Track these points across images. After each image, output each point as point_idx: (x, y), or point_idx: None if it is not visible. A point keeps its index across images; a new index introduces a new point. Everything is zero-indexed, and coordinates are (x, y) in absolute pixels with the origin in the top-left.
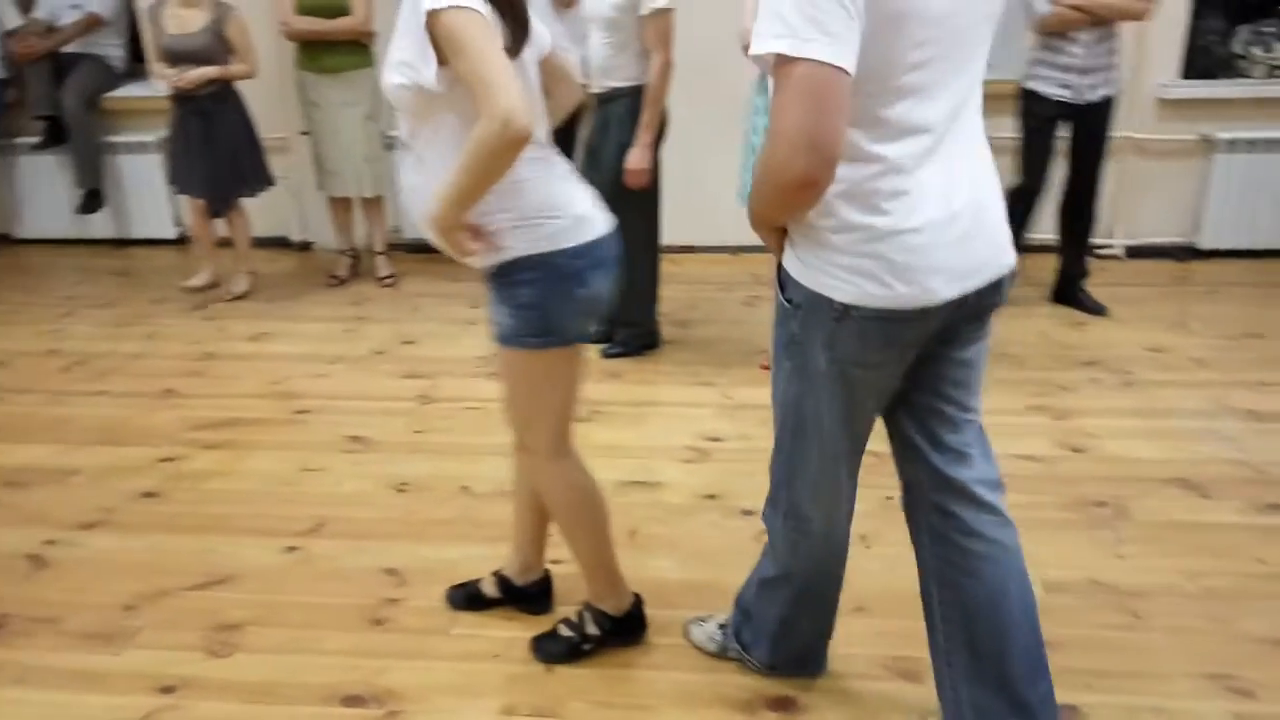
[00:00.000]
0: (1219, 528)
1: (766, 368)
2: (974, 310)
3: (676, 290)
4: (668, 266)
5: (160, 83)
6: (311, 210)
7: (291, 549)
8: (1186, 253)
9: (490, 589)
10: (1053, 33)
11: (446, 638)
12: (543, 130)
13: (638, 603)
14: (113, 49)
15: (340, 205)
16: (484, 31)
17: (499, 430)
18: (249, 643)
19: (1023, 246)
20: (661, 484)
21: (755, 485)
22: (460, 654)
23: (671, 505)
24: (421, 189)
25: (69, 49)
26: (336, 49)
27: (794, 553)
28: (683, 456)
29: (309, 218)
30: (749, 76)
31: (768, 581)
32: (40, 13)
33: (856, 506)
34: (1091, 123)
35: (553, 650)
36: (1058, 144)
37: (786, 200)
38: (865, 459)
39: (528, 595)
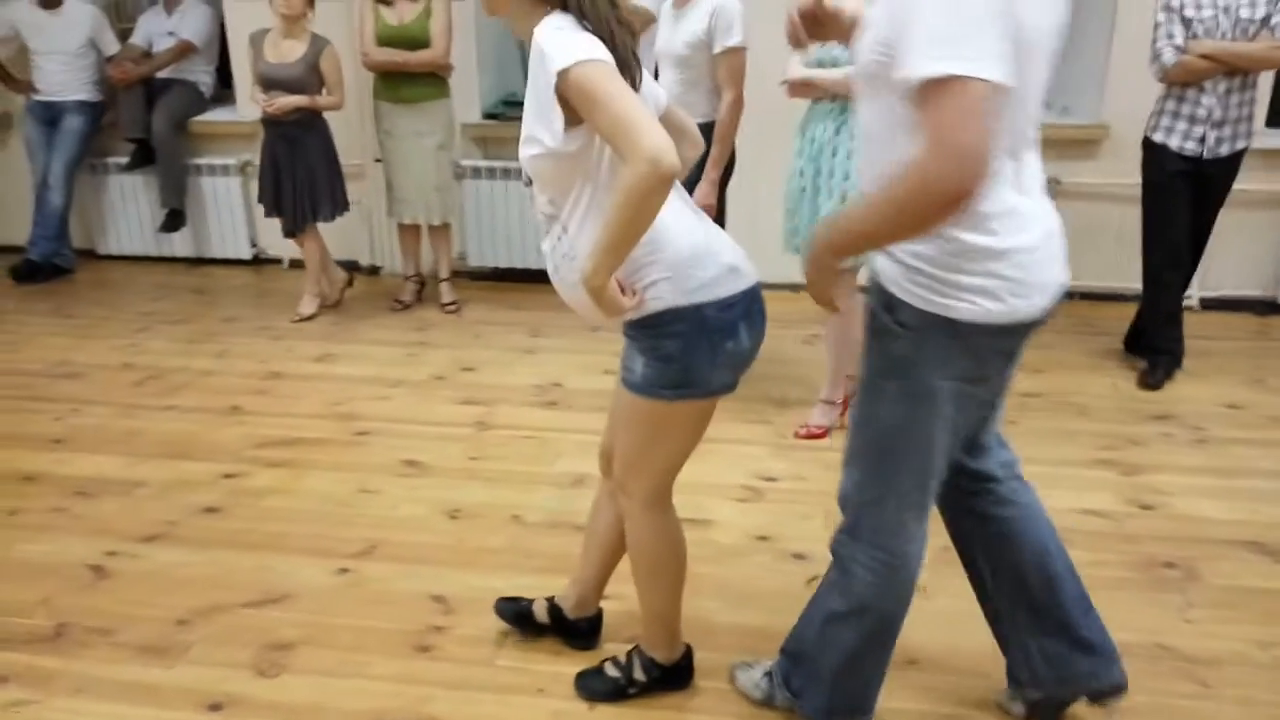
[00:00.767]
0: None
1: (808, 436)
2: (1039, 323)
3: None
4: None
5: (253, 106)
6: (381, 235)
7: (344, 570)
8: (1266, 307)
9: (541, 614)
10: (1183, 83)
11: (491, 669)
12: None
13: (687, 653)
14: (203, 75)
15: (409, 232)
16: (614, 78)
17: (553, 460)
18: (297, 663)
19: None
20: (713, 522)
21: (809, 528)
22: (503, 686)
23: (722, 545)
24: (565, 262)
25: (162, 74)
26: (414, 80)
27: (876, 585)
28: (736, 495)
29: (378, 243)
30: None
31: (837, 617)
32: (137, 39)
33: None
34: (1218, 178)
35: (597, 689)
36: (1187, 203)
37: (935, 216)
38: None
39: (578, 630)
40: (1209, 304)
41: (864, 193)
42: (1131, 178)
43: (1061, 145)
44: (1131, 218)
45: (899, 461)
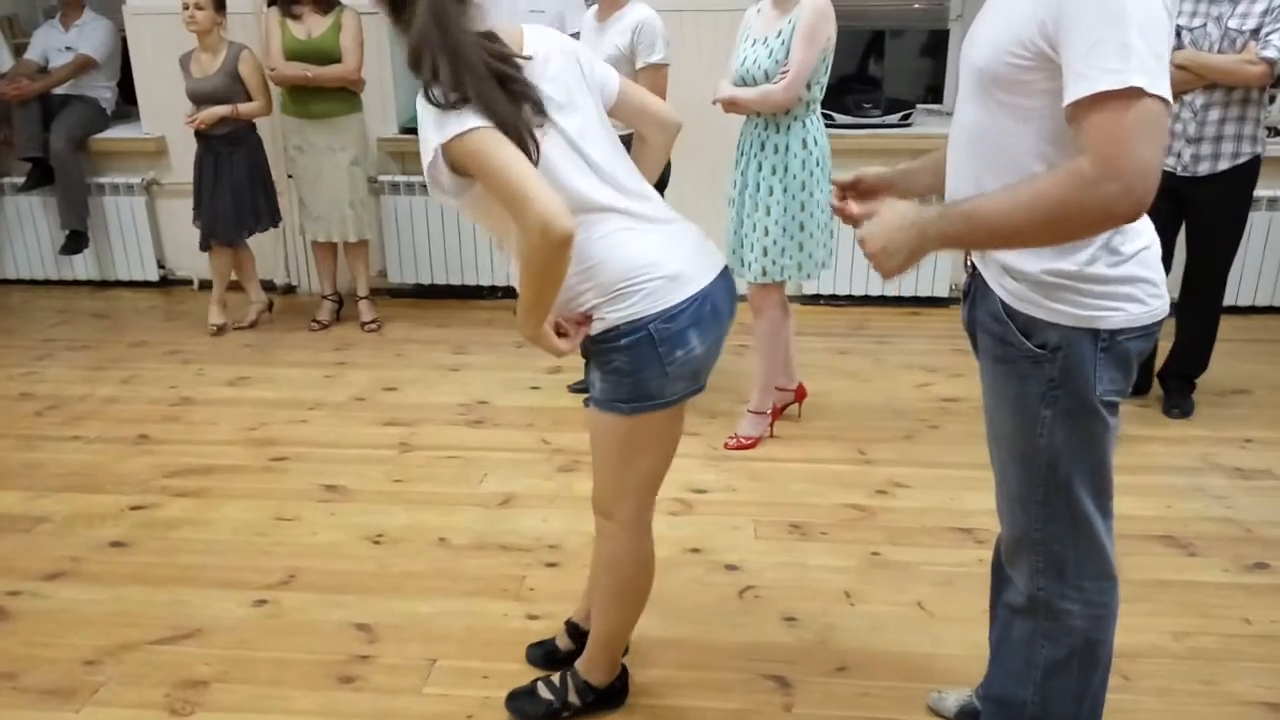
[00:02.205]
0: (1206, 586)
1: (737, 446)
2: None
3: None
4: None
5: (156, 122)
6: (296, 254)
7: (261, 602)
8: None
9: (563, 642)
10: None
11: (418, 697)
12: (633, 181)
13: (623, 674)
14: (104, 90)
15: (324, 250)
16: (497, 147)
17: (479, 480)
18: (213, 700)
19: None
20: None
21: (740, 539)
22: (432, 715)
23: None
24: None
25: (60, 90)
26: (325, 95)
27: (1096, 619)
28: (666, 508)
29: (294, 261)
30: (734, 130)
31: (1060, 666)
32: (33, 54)
33: (838, 562)
34: (1201, 200)
35: (529, 711)
36: (1164, 221)
37: (1093, 229)
38: (848, 514)
39: None
40: None
41: (983, 191)
42: None
43: None
44: None
45: (1078, 489)
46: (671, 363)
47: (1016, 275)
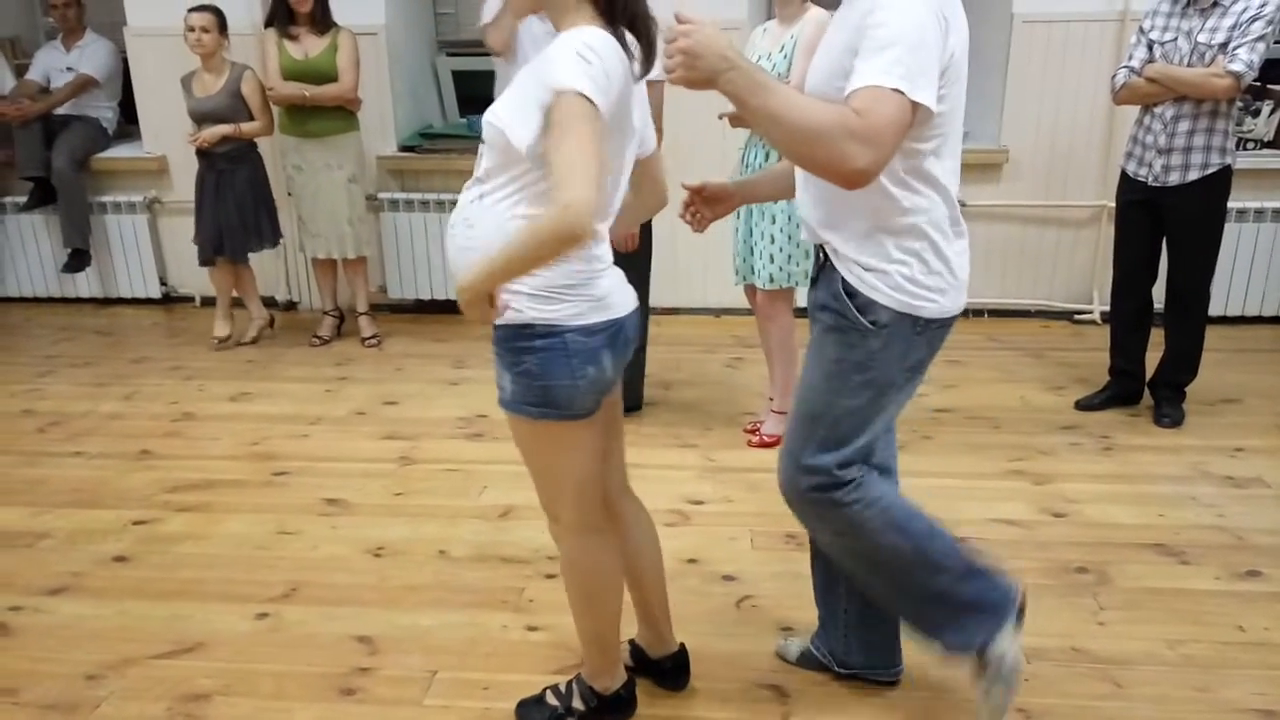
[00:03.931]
0: (1198, 594)
1: (751, 430)
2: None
3: (659, 352)
4: (651, 328)
5: (158, 142)
6: (297, 270)
7: (263, 615)
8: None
9: (625, 657)
10: (1136, 106)
11: (419, 709)
12: (605, 226)
13: (629, 683)
14: (105, 110)
15: (324, 266)
16: (596, 126)
17: (478, 493)
18: (215, 714)
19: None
20: None
21: (737, 549)
22: None
23: None
24: (462, 225)
25: (62, 110)
26: (322, 114)
27: (897, 505)
28: (664, 520)
29: (295, 278)
30: (735, 145)
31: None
32: (34, 74)
33: None
34: (1175, 209)
35: (536, 718)
36: (1143, 230)
37: (823, 171)
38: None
39: (662, 670)
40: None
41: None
42: (1029, 199)
43: (965, 169)
44: (1031, 237)
45: (850, 436)
46: (582, 377)
47: (865, 264)
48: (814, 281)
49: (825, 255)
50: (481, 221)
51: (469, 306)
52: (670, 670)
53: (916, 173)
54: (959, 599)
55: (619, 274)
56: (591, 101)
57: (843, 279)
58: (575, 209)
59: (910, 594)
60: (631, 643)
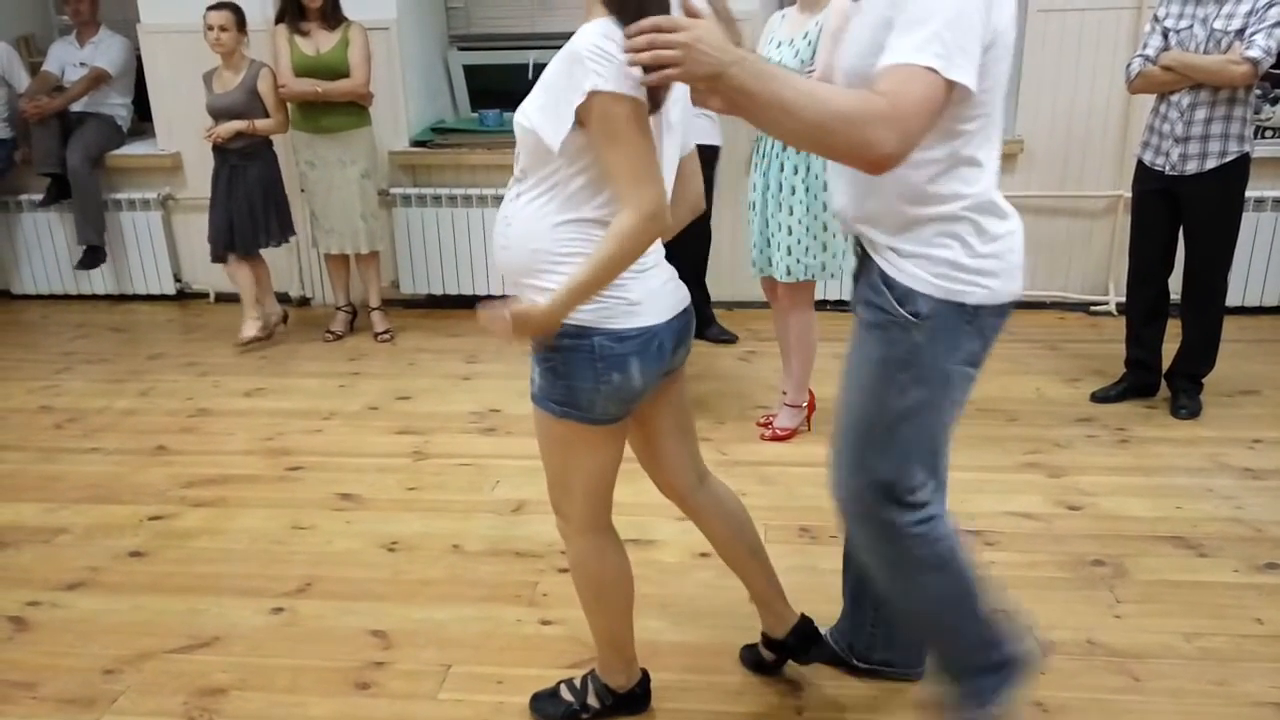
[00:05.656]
0: (1216, 587)
1: (763, 424)
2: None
3: None
4: None
5: (172, 139)
6: (310, 266)
7: (278, 610)
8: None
9: (764, 651)
10: (1152, 95)
11: (434, 703)
12: None
13: (644, 680)
14: (119, 108)
15: (337, 262)
16: (642, 123)
17: (492, 487)
18: (231, 708)
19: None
20: (656, 542)
21: None
22: (447, 719)
23: (665, 564)
24: (503, 245)
25: (76, 107)
26: (334, 110)
27: (955, 548)
28: (677, 514)
29: (308, 273)
30: (744, 139)
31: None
32: (50, 66)
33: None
34: (1193, 199)
35: (550, 712)
36: (1160, 220)
37: (847, 159)
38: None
39: (787, 647)
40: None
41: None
42: (1044, 189)
43: None
44: (1046, 228)
45: (912, 446)
46: (607, 382)
47: (898, 251)
48: (856, 278)
49: (863, 248)
50: (519, 219)
51: (540, 332)
52: (795, 646)
53: (957, 155)
54: (977, 647)
55: (665, 275)
56: (631, 98)
57: (880, 270)
58: (655, 209)
59: (934, 624)
60: (763, 634)
